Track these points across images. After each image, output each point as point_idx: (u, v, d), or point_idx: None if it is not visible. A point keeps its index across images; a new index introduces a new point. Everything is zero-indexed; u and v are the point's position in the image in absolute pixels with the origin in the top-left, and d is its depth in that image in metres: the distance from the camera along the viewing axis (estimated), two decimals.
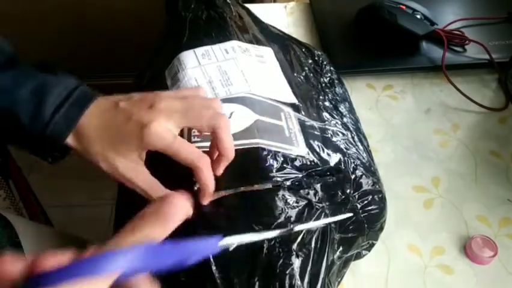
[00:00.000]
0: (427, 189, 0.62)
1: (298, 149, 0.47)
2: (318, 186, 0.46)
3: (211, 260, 0.40)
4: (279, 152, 0.46)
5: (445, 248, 0.56)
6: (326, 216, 0.44)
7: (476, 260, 0.55)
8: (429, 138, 0.68)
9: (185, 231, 0.42)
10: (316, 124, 0.53)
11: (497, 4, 0.87)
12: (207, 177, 0.40)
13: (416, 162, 0.65)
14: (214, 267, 0.39)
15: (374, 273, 0.54)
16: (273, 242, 0.40)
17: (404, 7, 0.78)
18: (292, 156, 0.46)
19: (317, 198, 0.45)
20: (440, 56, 0.76)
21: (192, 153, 0.39)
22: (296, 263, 0.40)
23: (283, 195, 0.43)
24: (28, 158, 0.49)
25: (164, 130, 0.39)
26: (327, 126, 0.54)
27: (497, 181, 0.63)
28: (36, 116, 0.39)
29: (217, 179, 0.43)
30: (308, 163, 0.47)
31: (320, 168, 0.47)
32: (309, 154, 0.48)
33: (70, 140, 0.41)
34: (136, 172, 0.41)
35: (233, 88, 0.52)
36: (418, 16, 0.78)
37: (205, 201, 0.42)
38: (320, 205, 0.45)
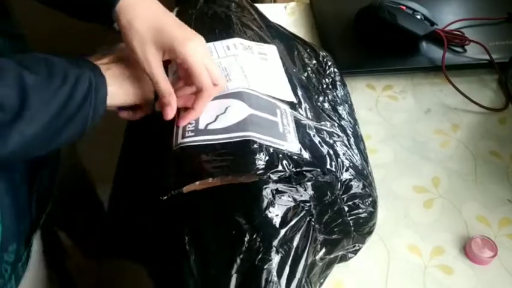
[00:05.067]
0: (427, 190, 0.62)
1: (291, 144, 0.47)
2: (308, 185, 0.46)
3: (190, 250, 0.40)
4: (270, 146, 0.46)
5: (445, 248, 0.56)
6: (312, 215, 0.44)
7: (476, 260, 0.55)
8: (429, 138, 0.68)
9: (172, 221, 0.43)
10: (312, 124, 0.53)
11: (497, 4, 0.87)
12: (201, 105, 0.49)
13: (416, 162, 0.65)
14: (192, 258, 0.39)
15: (374, 273, 0.54)
16: (254, 236, 0.40)
17: (404, 7, 0.78)
18: (284, 152, 0.46)
19: (306, 196, 0.45)
20: (440, 56, 0.76)
21: (207, 80, 0.48)
22: (275, 259, 0.40)
23: (271, 189, 0.43)
24: None
25: (202, 50, 0.48)
26: (323, 127, 0.54)
27: (497, 181, 0.63)
28: None
29: (206, 168, 0.44)
30: (299, 160, 0.47)
31: (310, 167, 0.47)
32: (301, 151, 0.48)
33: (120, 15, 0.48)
34: (158, 65, 0.48)
35: (231, 84, 0.52)
36: (418, 16, 0.78)
37: (181, 123, 0.49)
38: (308, 204, 0.44)
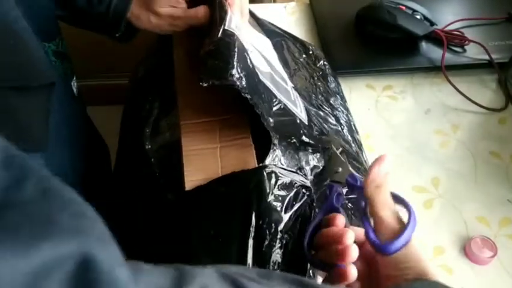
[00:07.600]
0: (427, 190, 0.62)
1: (301, 114, 0.48)
2: (308, 169, 0.47)
3: (197, 245, 0.40)
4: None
5: (445, 248, 0.56)
6: (312, 200, 0.45)
7: (475, 260, 0.55)
8: (429, 138, 0.68)
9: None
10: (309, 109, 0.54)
11: (497, 4, 0.87)
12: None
13: (416, 163, 0.65)
14: (201, 250, 0.40)
15: None
16: (260, 222, 0.41)
17: (403, 7, 0.78)
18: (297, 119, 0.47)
19: (307, 182, 0.46)
20: (440, 56, 0.76)
21: None
22: (281, 243, 0.41)
23: (273, 174, 0.43)
24: None
25: None
26: (320, 113, 0.55)
27: (497, 181, 0.63)
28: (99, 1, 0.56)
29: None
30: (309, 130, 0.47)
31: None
32: (309, 124, 0.48)
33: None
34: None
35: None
36: (418, 16, 0.78)
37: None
38: (308, 189, 0.45)
